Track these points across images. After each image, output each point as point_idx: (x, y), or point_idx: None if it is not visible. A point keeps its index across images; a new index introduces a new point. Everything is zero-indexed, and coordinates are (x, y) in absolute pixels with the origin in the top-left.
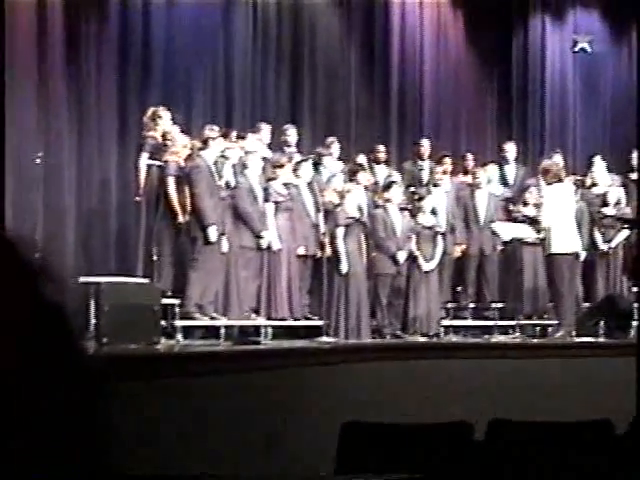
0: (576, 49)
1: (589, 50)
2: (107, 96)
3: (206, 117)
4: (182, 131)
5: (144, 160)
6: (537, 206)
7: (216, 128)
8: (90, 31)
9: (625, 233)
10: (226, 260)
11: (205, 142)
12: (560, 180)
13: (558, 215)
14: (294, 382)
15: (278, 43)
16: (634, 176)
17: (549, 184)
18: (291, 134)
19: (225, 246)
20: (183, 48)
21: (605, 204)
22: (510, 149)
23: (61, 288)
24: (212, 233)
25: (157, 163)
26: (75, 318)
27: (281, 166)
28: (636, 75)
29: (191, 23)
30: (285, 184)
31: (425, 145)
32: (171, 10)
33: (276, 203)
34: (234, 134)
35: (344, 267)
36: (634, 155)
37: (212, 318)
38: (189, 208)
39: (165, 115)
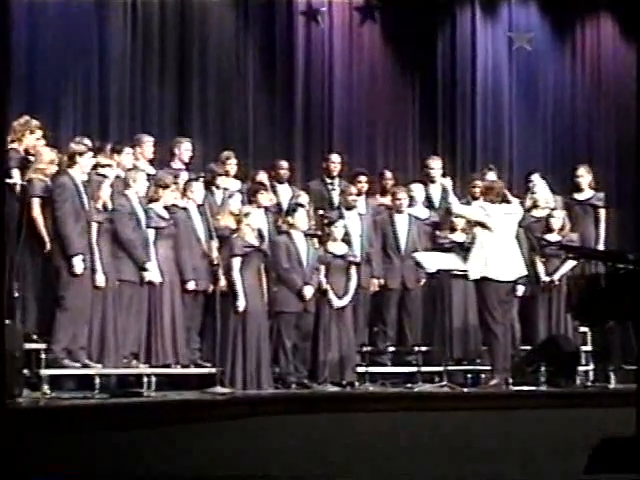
0: (514, 48)
1: (529, 49)
2: None
3: (77, 129)
4: (49, 145)
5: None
6: (467, 232)
7: (87, 141)
8: None
9: (571, 264)
10: (102, 296)
11: (71, 157)
12: (505, 200)
13: (497, 238)
14: (183, 440)
15: (162, 43)
16: (579, 197)
17: (492, 203)
18: (184, 148)
19: (101, 280)
20: (50, 50)
21: (548, 230)
22: (435, 166)
23: None
24: (77, 264)
25: (19, 182)
26: None
27: (166, 186)
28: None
29: (60, 21)
30: (167, 207)
31: (335, 161)
32: (35, 7)
33: (157, 229)
34: (109, 147)
35: (241, 304)
36: (579, 172)
37: (85, 366)
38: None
39: None
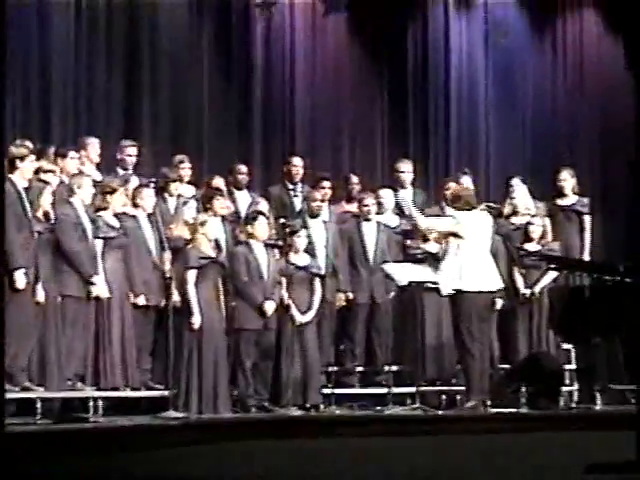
0: (490, 43)
1: (506, 44)
2: None
3: (16, 130)
4: None
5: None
6: (440, 241)
7: (28, 144)
8: None
9: (552, 275)
10: (43, 313)
11: (12, 162)
12: (473, 207)
13: (471, 247)
14: (133, 469)
15: (109, 35)
16: (562, 202)
17: (459, 210)
18: (130, 152)
19: (41, 295)
20: None
21: (528, 238)
22: (406, 169)
23: None
24: (20, 278)
25: None
26: None
27: (112, 191)
28: None
29: None
30: (117, 215)
31: (297, 164)
32: None
33: (105, 239)
34: (52, 151)
35: (196, 320)
36: (562, 176)
37: (25, 389)
38: None
39: None
